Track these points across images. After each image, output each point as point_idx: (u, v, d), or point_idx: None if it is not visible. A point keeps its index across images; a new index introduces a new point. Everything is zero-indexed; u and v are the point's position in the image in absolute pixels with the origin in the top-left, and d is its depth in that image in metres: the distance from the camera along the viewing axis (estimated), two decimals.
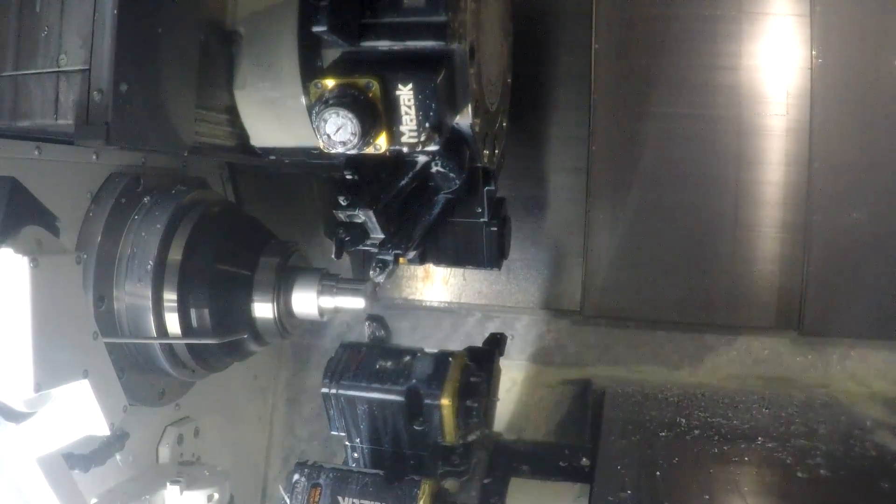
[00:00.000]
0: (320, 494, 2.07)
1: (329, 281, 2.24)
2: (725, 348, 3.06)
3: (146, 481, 2.16)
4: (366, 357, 2.29)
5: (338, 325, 3.40)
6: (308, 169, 2.66)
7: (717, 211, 2.96)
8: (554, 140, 3.17)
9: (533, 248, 3.21)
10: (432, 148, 1.76)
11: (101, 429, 1.64)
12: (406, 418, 2.20)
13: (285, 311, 2.22)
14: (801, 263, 2.90)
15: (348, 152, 1.66)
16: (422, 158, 1.87)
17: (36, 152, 1.84)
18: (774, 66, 2.93)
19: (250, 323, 2.19)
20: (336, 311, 2.25)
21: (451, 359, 2.24)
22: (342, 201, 1.74)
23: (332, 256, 1.90)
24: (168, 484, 2.11)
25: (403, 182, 1.87)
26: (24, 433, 1.58)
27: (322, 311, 2.24)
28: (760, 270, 2.96)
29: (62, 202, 1.85)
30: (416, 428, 2.19)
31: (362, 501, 2.05)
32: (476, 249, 2.45)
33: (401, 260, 2.06)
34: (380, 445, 2.28)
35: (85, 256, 1.76)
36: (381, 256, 1.96)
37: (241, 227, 2.30)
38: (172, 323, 2.06)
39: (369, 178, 1.80)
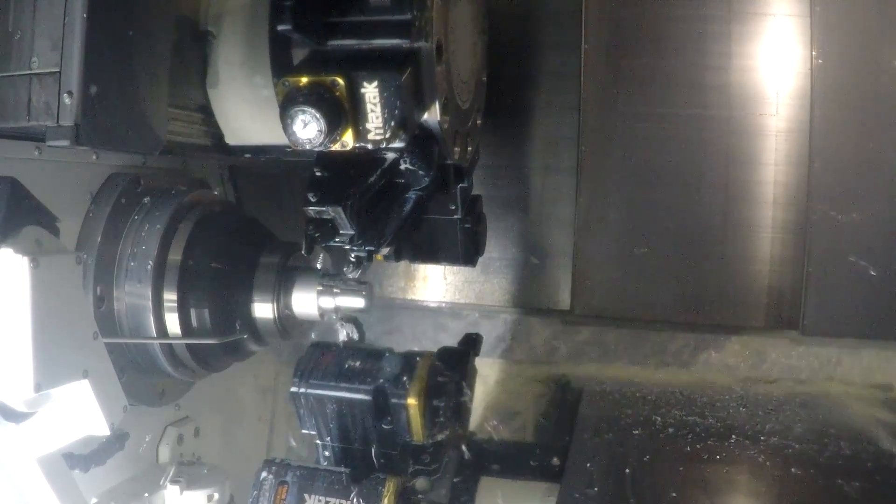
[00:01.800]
0: (287, 492, 2.10)
1: (329, 281, 2.24)
2: (721, 348, 3.06)
3: (146, 481, 2.16)
4: (335, 357, 2.31)
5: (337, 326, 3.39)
6: (285, 168, 2.66)
7: (718, 211, 2.96)
8: (542, 140, 3.17)
9: (516, 247, 3.21)
10: (398, 145, 1.78)
11: (101, 429, 1.63)
12: (374, 418, 2.22)
13: (285, 311, 2.22)
14: (801, 263, 2.90)
15: (315, 149, 1.69)
16: (390, 155, 1.88)
17: (36, 152, 1.84)
18: (774, 66, 2.93)
19: (250, 323, 2.19)
20: (336, 311, 2.25)
21: (418, 359, 2.27)
22: (311, 198, 1.76)
23: (302, 252, 1.91)
24: (168, 484, 2.11)
25: (372, 179, 1.88)
26: (24, 433, 1.58)
27: (322, 312, 2.24)
28: (760, 270, 2.96)
29: (62, 202, 1.85)
30: (384, 427, 2.21)
31: (328, 499, 2.07)
32: (451, 246, 2.47)
33: (377, 256, 2.07)
34: (350, 444, 2.30)
35: (85, 256, 1.76)
36: (355, 253, 1.97)
37: (241, 227, 2.30)
38: (172, 323, 2.06)
39: (339, 175, 1.81)
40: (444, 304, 3.29)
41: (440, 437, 2.26)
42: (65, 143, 1.63)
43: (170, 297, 2.05)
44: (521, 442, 3.03)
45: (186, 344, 2.09)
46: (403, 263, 3.22)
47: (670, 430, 2.44)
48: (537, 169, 3.18)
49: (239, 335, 2.16)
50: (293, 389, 2.26)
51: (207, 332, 2.09)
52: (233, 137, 2.27)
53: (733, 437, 2.37)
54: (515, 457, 2.50)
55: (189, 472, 2.24)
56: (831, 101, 2.84)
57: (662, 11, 2.95)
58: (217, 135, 2.27)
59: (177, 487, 2.10)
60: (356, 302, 2.23)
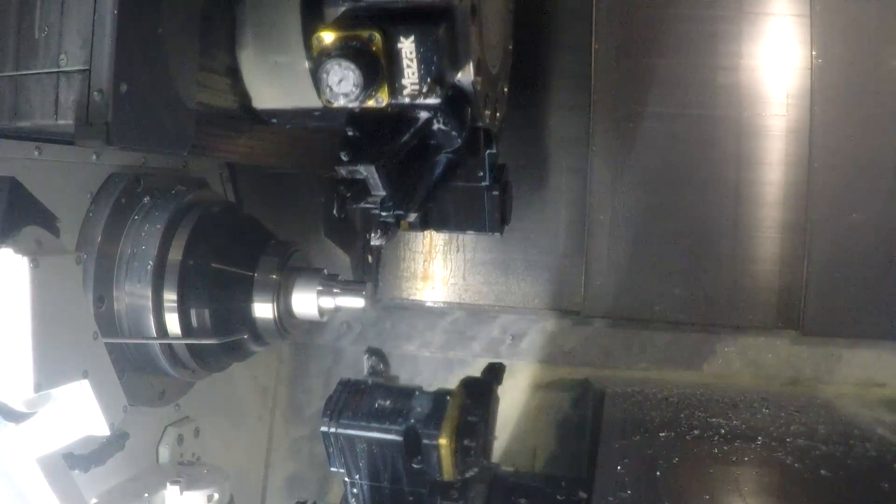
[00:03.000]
0: None
1: (329, 281, 2.24)
2: (726, 348, 3.06)
3: (146, 481, 2.16)
4: (365, 395, 2.32)
5: (337, 326, 3.40)
6: (307, 133, 2.63)
7: (728, 211, 2.96)
8: (554, 140, 3.17)
9: (533, 248, 3.21)
10: (434, 101, 1.77)
11: (101, 429, 1.63)
12: (405, 457, 2.22)
13: (285, 311, 2.22)
14: (802, 263, 2.90)
15: (350, 105, 1.67)
16: (423, 115, 1.87)
17: (36, 152, 1.84)
18: (774, 66, 2.93)
19: (250, 323, 2.19)
20: (336, 310, 2.25)
21: (448, 398, 2.26)
22: (343, 156, 1.74)
23: (333, 212, 1.89)
24: (168, 484, 2.11)
25: (405, 138, 1.86)
26: (24, 433, 1.58)
27: (322, 311, 2.24)
28: (770, 270, 2.97)
29: (62, 202, 1.85)
30: (415, 466, 2.22)
31: None
32: (478, 214, 2.45)
33: (402, 224, 2.05)
34: (379, 482, 2.31)
35: (85, 256, 1.76)
36: (382, 219, 1.96)
37: (241, 227, 2.30)
38: (172, 323, 2.06)
39: (371, 135, 1.80)
40: (464, 305, 3.30)
41: (469, 473, 2.26)
42: (96, 142, 1.60)
43: (170, 297, 2.05)
44: (547, 475, 3.00)
45: (186, 344, 2.09)
46: (422, 265, 3.23)
47: (696, 431, 2.44)
48: (553, 169, 3.19)
49: (239, 335, 2.16)
50: (324, 429, 2.26)
51: (207, 332, 2.09)
52: (260, 101, 2.22)
53: (759, 438, 2.37)
54: (542, 491, 2.48)
55: (189, 472, 2.24)
56: (831, 101, 2.85)
57: (672, 11, 2.96)
58: (244, 99, 2.22)
59: (177, 487, 2.10)
60: (356, 302, 2.23)
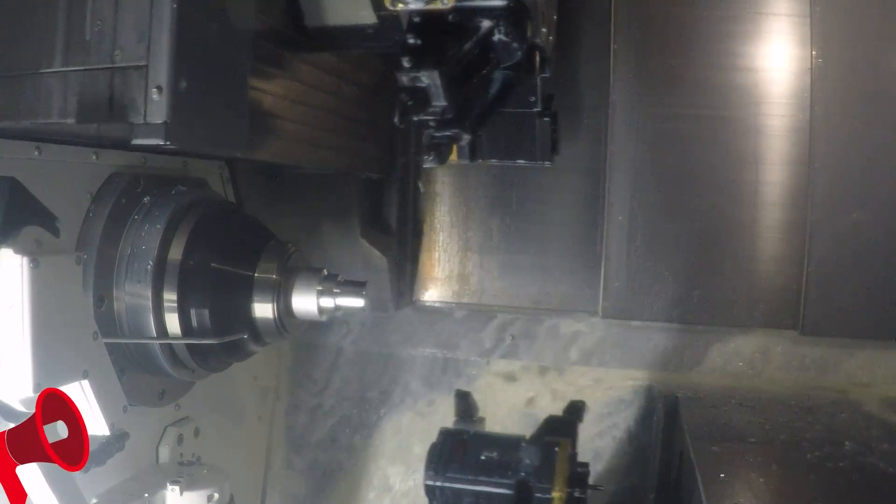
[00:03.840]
0: None
1: (329, 281, 2.23)
2: (727, 348, 3.06)
3: (146, 481, 2.16)
4: (468, 446, 2.27)
5: (337, 325, 3.40)
6: (347, 134, 2.60)
7: (747, 212, 2.98)
8: (572, 140, 3.20)
9: (557, 250, 3.25)
10: (498, 3, 1.74)
11: (101, 429, 1.64)
12: None
13: (285, 311, 2.21)
14: (802, 263, 2.90)
15: (413, 6, 1.64)
16: (485, 24, 1.85)
17: (36, 152, 1.84)
18: (774, 66, 2.93)
19: (250, 323, 2.19)
20: (336, 310, 2.25)
21: (556, 449, 2.22)
22: (406, 63, 1.72)
23: (395, 121, 1.85)
24: (168, 484, 2.11)
25: (467, 46, 1.83)
26: None
27: (322, 311, 2.24)
28: (761, 270, 2.97)
29: (62, 202, 1.85)
30: None
31: None
32: (528, 142, 2.43)
33: (451, 157, 2.03)
34: None
35: (85, 256, 1.76)
36: (436, 139, 1.93)
37: (241, 227, 2.30)
38: (172, 323, 2.06)
39: (432, 43, 1.77)
40: (495, 308, 3.32)
41: None
42: (155, 141, 1.55)
43: (170, 297, 2.05)
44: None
45: (186, 344, 2.09)
46: (458, 266, 3.23)
47: (782, 436, 2.42)
48: (576, 169, 3.20)
49: (239, 335, 2.16)
50: (428, 482, 2.21)
51: (207, 332, 2.09)
52: (313, 18, 2.15)
53: (847, 443, 2.35)
54: None
55: (189, 472, 2.24)
56: (831, 101, 2.85)
57: (690, 11, 2.97)
58: (296, 17, 2.14)
59: (177, 487, 2.10)
60: (356, 302, 2.23)
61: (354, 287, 2.24)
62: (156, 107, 1.54)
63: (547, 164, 2.52)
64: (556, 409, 3.05)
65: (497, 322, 3.27)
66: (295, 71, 2.29)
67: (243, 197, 2.85)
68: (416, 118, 1.84)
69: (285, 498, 3.42)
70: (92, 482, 1.93)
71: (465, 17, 1.77)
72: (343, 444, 3.42)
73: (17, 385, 1.48)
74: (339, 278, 2.25)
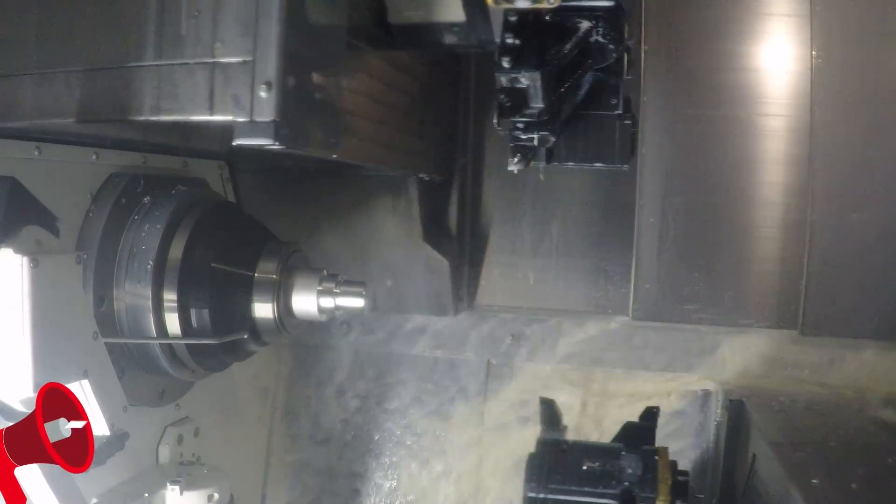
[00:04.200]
0: None
1: (329, 281, 2.23)
2: (727, 347, 3.06)
3: (146, 481, 2.16)
4: (568, 456, 2.25)
5: (337, 325, 3.40)
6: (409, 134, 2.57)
7: (775, 211, 2.98)
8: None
9: (592, 252, 3.25)
10: (605, 3, 1.75)
11: (101, 429, 1.64)
12: None
13: (285, 311, 2.22)
14: (802, 263, 2.90)
15: (520, 5, 1.59)
16: (584, 25, 1.83)
17: (36, 152, 1.84)
18: (774, 65, 2.93)
19: (250, 323, 2.19)
20: (336, 310, 2.25)
21: (657, 457, 2.20)
22: (505, 63, 1.69)
23: (493, 122, 1.83)
24: (168, 484, 2.11)
25: (567, 48, 1.82)
26: None
27: (322, 311, 2.24)
28: (761, 270, 2.98)
29: (62, 202, 1.85)
30: None
31: None
32: (607, 145, 2.36)
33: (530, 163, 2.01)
34: None
35: (85, 256, 1.76)
36: (521, 142, 1.88)
37: (241, 227, 2.30)
38: (172, 323, 2.06)
39: (531, 44, 1.75)
40: (523, 309, 3.31)
41: None
42: (263, 141, 1.45)
43: (170, 297, 2.05)
44: None
45: (186, 344, 2.09)
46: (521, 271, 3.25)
47: (860, 440, 2.40)
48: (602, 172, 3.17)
49: (239, 335, 2.16)
50: (531, 494, 2.18)
51: (207, 332, 2.09)
52: (397, 14, 2.06)
53: None
54: None
55: (189, 472, 2.24)
56: (831, 101, 2.85)
57: (723, 13, 2.97)
58: (380, 14, 2.04)
59: (177, 487, 2.10)
60: (356, 302, 2.23)
61: (354, 287, 2.24)
62: (264, 104, 1.44)
63: (625, 167, 2.50)
64: (603, 415, 3.09)
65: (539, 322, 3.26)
66: (374, 69, 2.25)
67: (243, 197, 2.85)
68: (513, 119, 1.82)
69: (285, 498, 3.42)
70: (92, 482, 1.93)
71: (565, 18, 1.76)
72: (343, 444, 3.42)
73: (16, 385, 1.48)
74: (339, 278, 2.25)
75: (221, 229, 2.20)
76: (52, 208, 1.65)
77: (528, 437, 3.17)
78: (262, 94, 1.43)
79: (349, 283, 2.25)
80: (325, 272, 2.27)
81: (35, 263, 1.47)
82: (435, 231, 3.13)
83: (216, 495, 2.16)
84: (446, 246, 3.14)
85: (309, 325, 2.39)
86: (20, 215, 1.57)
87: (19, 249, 1.47)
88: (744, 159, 2.98)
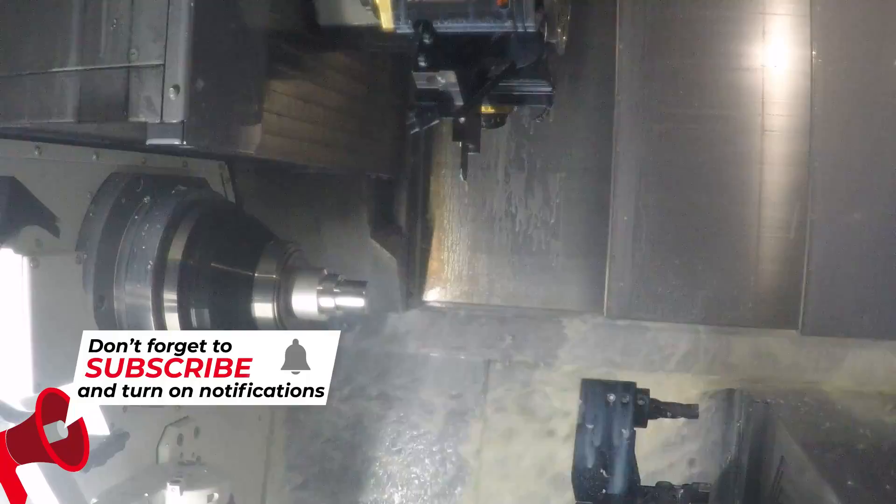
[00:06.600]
0: None
1: (329, 281, 2.23)
2: (727, 347, 3.05)
3: (146, 481, 2.16)
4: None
5: (337, 325, 3.39)
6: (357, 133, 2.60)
7: (751, 211, 2.97)
8: (578, 140, 3.20)
9: (581, 250, 3.26)
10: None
11: (101, 429, 1.64)
12: None
13: (285, 311, 2.21)
14: (802, 263, 2.90)
15: None
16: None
17: (36, 152, 1.84)
18: (774, 65, 2.93)
19: (250, 323, 2.19)
20: (336, 310, 2.25)
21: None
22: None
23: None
24: (168, 484, 2.11)
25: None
26: None
27: (322, 311, 2.24)
28: (761, 270, 2.97)
29: (62, 202, 1.85)
30: None
31: None
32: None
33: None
34: None
35: (85, 256, 1.76)
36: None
37: (241, 227, 2.30)
38: (172, 323, 2.06)
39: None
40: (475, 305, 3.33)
41: None
42: (171, 141, 1.54)
43: (170, 296, 2.05)
44: None
45: None
46: (467, 266, 3.27)
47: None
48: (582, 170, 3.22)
49: None
50: None
51: None
52: (327, 17, 2.13)
53: None
54: None
55: (189, 472, 2.24)
56: (831, 101, 2.85)
57: (695, 12, 2.97)
58: (309, 16, 2.13)
59: (177, 487, 2.10)
60: (356, 301, 2.23)
61: (354, 287, 2.24)
62: (173, 106, 1.52)
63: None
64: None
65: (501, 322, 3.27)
66: (307, 70, 2.28)
67: (243, 197, 2.85)
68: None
69: (286, 497, 3.42)
70: (92, 482, 1.93)
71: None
72: (343, 443, 3.42)
73: (17, 385, 1.48)
74: (339, 278, 2.25)
75: (221, 229, 2.20)
76: (52, 208, 1.65)
77: (528, 437, 3.19)
78: (171, 96, 1.52)
79: (349, 282, 2.25)
80: (325, 272, 2.27)
81: (35, 263, 1.47)
82: (384, 228, 3.16)
83: (216, 495, 2.16)
84: (395, 244, 3.16)
85: (309, 324, 2.39)
86: (20, 215, 1.57)
87: (19, 249, 1.48)
88: (722, 159, 2.98)
